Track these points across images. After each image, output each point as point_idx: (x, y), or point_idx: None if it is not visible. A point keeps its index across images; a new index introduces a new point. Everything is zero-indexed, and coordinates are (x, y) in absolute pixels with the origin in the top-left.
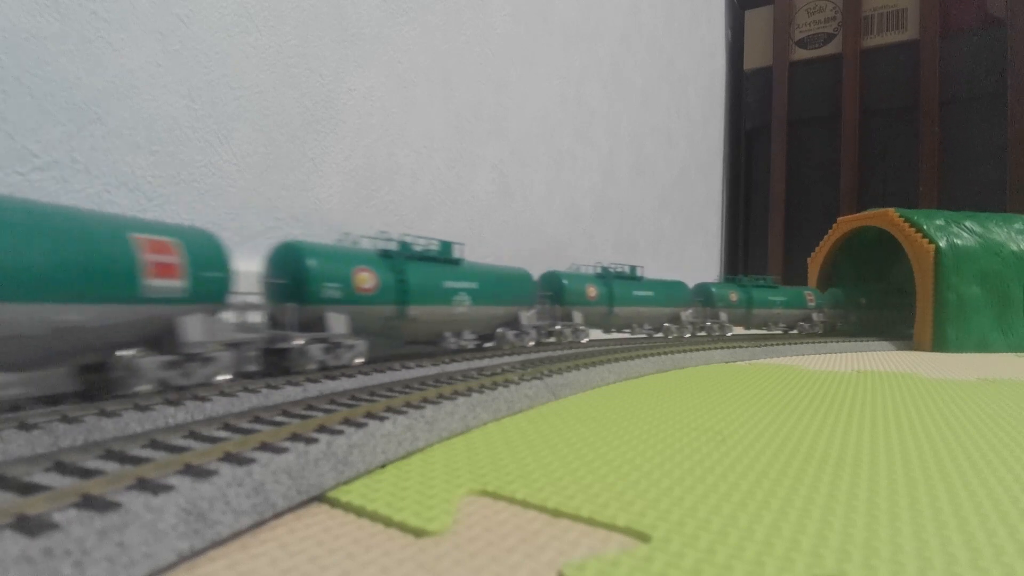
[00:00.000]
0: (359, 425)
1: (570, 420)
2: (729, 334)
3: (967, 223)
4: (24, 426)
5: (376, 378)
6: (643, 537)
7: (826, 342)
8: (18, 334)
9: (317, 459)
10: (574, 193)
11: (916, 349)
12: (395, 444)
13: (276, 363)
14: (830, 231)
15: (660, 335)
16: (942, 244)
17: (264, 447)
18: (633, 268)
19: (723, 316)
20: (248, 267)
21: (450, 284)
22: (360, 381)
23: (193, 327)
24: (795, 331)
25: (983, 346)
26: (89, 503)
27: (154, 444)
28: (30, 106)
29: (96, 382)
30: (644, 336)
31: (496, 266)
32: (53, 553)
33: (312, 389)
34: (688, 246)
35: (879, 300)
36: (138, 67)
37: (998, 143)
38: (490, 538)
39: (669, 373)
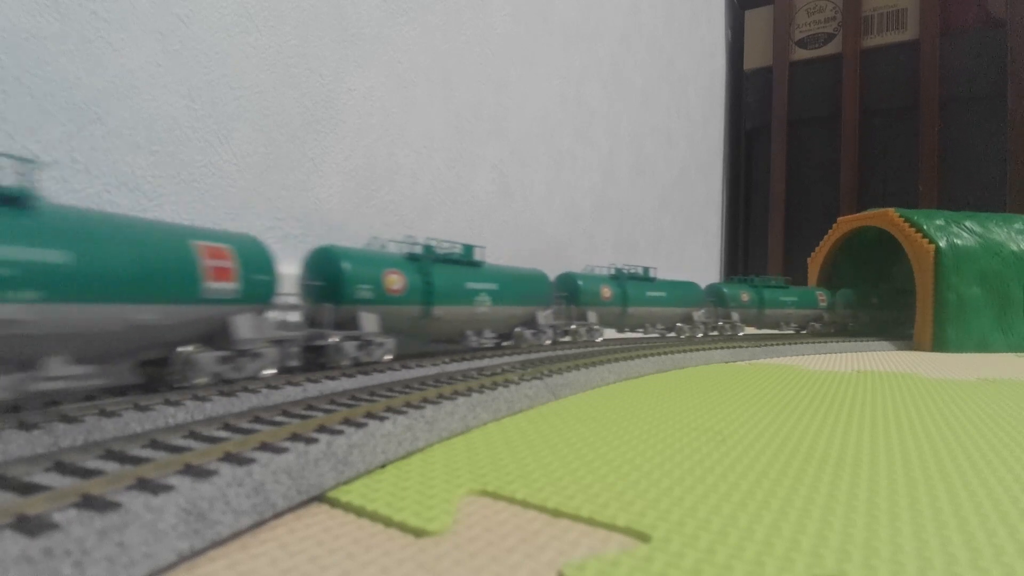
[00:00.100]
0: (359, 425)
1: (570, 420)
2: (741, 334)
3: (967, 223)
4: (24, 426)
5: (376, 378)
6: (643, 537)
7: (826, 342)
8: (101, 331)
9: (317, 459)
10: (574, 193)
11: (916, 349)
12: (395, 444)
13: (313, 359)
14: (830, 231)
15: (673, 334)
16: (942, 244)
17: (264, 447)
18: (646, 269)
19: (735, 316)
20: (288, 270)
21: (472, 285)
22: (360, 381)
23: (244, 325)
24: (805, 331)
25: (983, 346)
26: (89, 503)
27: (154, 444)
28: (30, 106)
29: (155, 375)
30: (657, 335)
31: (514, 268)
32: (53, 553)
33: (312, 389)
34: (688, 246)
35: (889, 300)
36: (138, 67)
37: (998, 143)
38: (490, 538)
39: (669, 373)
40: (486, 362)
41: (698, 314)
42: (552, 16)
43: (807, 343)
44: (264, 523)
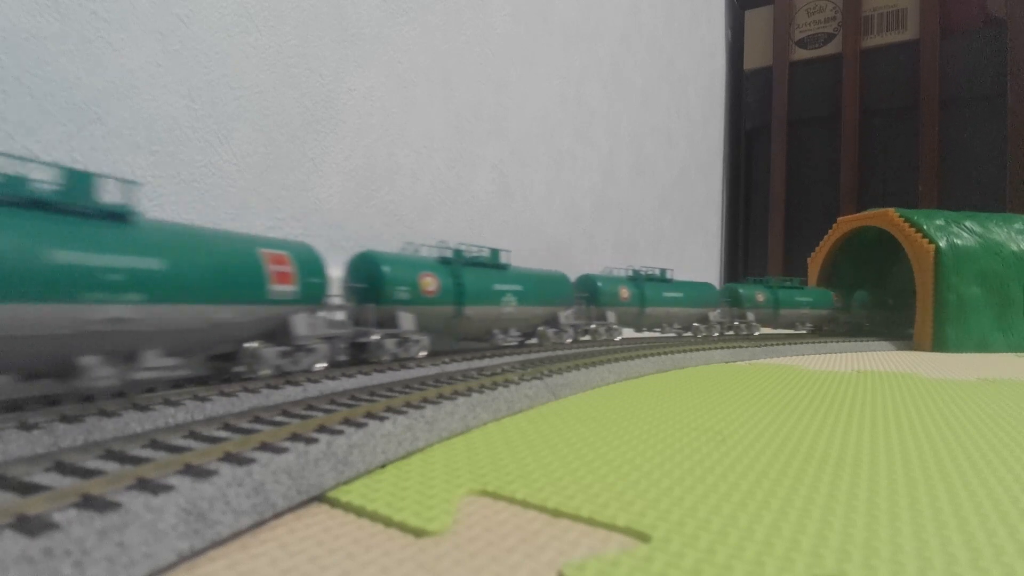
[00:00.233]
0: (359, 425)
1: (570, 420)
2: (756, 333)
3: (967, 223)
4: (24, 426)
5: (376, 378)
6: (643, 537)
7: (826, 342)
8: (189, 328)
9: (317, 459)
10: (574, 193)
11: (916, 349)
12: (395, 444)
13: (357, 355)
14: (830, 231)
15: (689, 334)
16: (942, 244)
17: (264, 447)
18: (663, 271)
19: (750, 316)
20: (335, 274)
21: (499, 287)
22: (360, 381)
23: (301, 323)
24: (824, 330)
25: (983, 346)
26: (89, 503)
27: (154, 444)
28: (30, 106)
29: (222, 368)
30: (673, 335)
31: (538, 270)
32: (53, 553)
33: (312, 389)
34: (688, 246)
35: (901, 300)
36: (138, 67)
37: (998, 143)
38: (490, 538)
39: (669, 373)
40: (486, 362)
41: (714, 314)
42: (552, 16)
43: (807, 343)
44: (264, 523)
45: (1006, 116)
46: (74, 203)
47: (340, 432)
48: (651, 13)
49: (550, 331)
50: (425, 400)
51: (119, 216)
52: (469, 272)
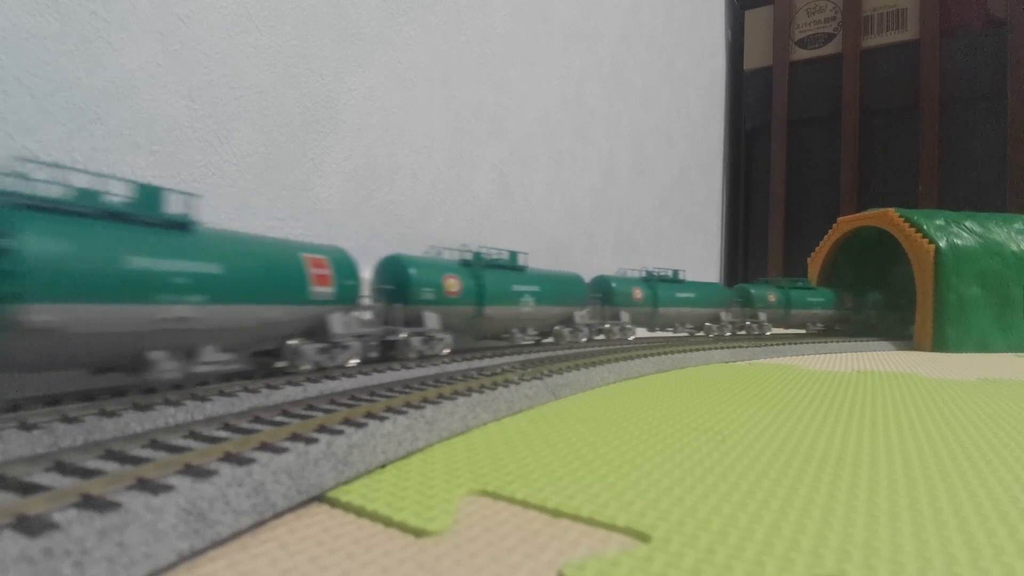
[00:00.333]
0: (359, 425)
1: (570, 420)
2: (768, 333)
3: (967, 223)
4: (24, 426)
5: (376, 378)
6: (643, 537)
7: (826, 342)
8: (242, 326)
9: (317, 459)
10: (574, 193)
11: (916, 349)
12: (395, 444)
13: (386, 352)
14: (830, 231)
15: (701, 333)
16: (942, 244)
17: (264, 447)
18: (676, 272)
19: (762, 316)
20: (365, 276)
21: (517, 288)
22: (360, 381)
23: (337, 322)
24: (832, 330)
25: (983, 346)
26: (89, 503)
27: (154, 444)
28: (30, 106)
29: (265, 363)
30: (686, 334)
31: (554, 271)
32: (53, 553)
33: (312, 389)
34: (688, 246)
35: (910, 301)
36: (138, 67)
37: (998, 143)
38: (490, 538)
39: (669, 373)
40: (486, 362)
41: (726, 314)
42: (552, 16)
43: (807, 343)
44: (264, 523)
45: (1006, 116)
46: (145, 214)
47: (340, 432)
48: (651, 13)
49: (566, 330)
50: (425, 400)
51: (182, 225)
52: (489, 274)
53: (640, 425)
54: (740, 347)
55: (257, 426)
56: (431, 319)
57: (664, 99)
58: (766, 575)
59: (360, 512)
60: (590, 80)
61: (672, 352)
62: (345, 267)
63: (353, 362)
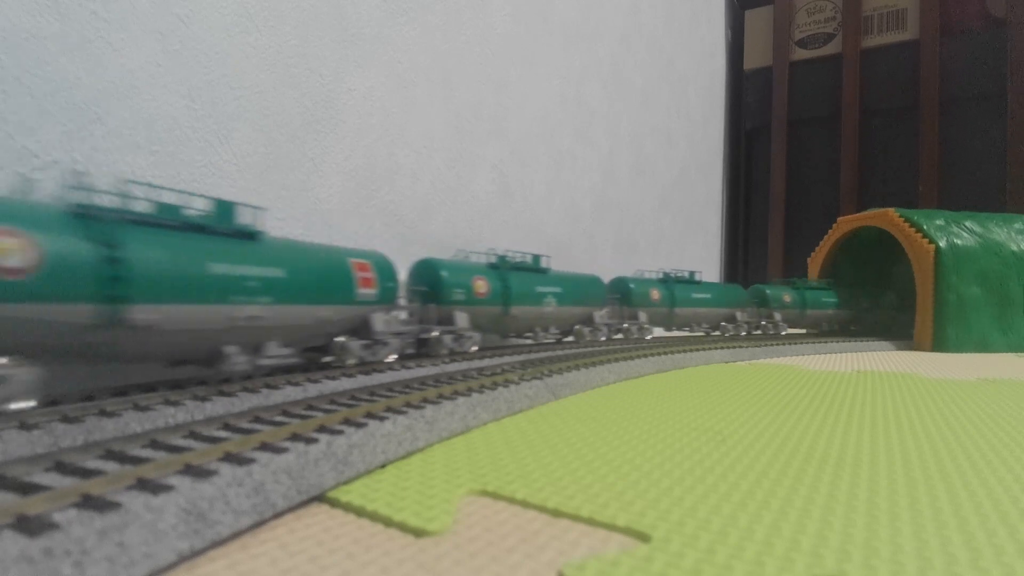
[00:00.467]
0: (359, 425)
1: (570, 420)
2: (784, 333)
3: (967, 223)
4: (24, 426)
5: (376, 378)
6: (643, 537)
7: (826, 342)
8: (300, 324)
9: (317, 459)
10: (574, 193)
11: (916, 349)
12: (395, 444)
13: (420, 348)
14: (830, 231)
15: (717, 333)
16: (942, 244)
17: (264, 447)
18: (692, 273)
19: (777, 316)
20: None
21: (540, 289)
22: (360, 381)
23: (379, 321)
24: (847, 330)
25: (983, 346)
26: (89, 503)
27: (154, 444)
28: (30, 106)
29: (313, 358)
30: (702, 334)
31: (574, 273)
32: (53, 553)
33: (312, 389)
34: (688, 246)
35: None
36: (138, 67)
37: (998, 143)
38: (490, 538)
39: (669, 373)
40: (486, 362)
41: (741, 314)
42: (552, 16)
43: (807, 343)
44: (264, 523)
45: (1006, 116)
46: (221, 226)
47: (340, 432)
48: (651, 13)
49: (586, 329)
50: (425, 400)
51: (251, 235)
52: (514, 276)
53: (640, 425)
54: (740, 347)
55: (257, 426)
56: (461, 318)
57: (664, 99)
58: (766, 575)
59: (360, 512)
60: (590, 80)
61: (672, 352)
62: (386, 270)
63: (391, 357)
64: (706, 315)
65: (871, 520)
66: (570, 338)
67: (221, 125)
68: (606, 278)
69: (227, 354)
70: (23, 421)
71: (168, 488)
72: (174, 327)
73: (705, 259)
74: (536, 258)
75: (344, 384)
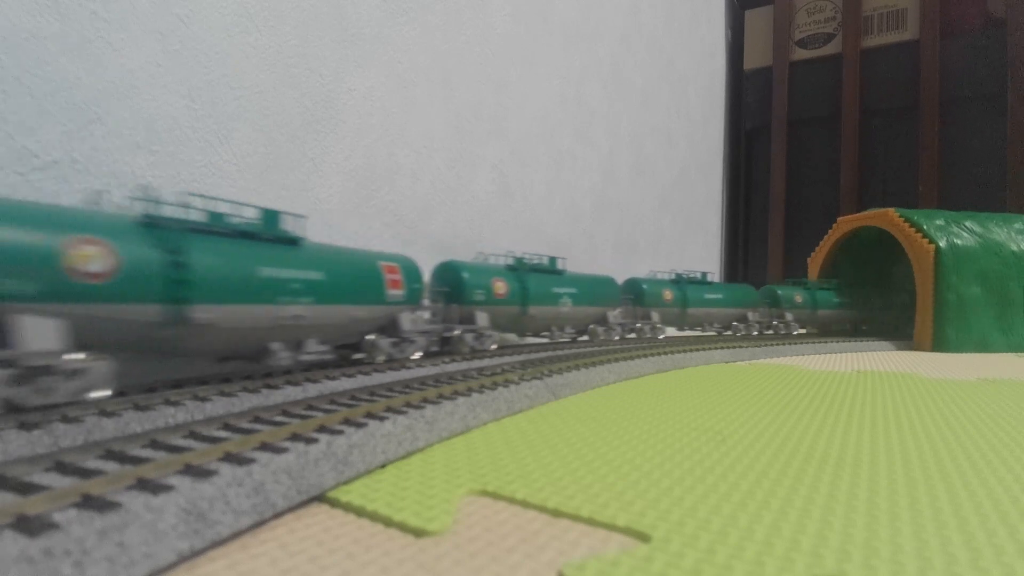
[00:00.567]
0: (359, 425)
1: (570, 420)
2: (795, 333)
3: (967, 223)
4: (24, 426)
5: (376, 378)
6: (643, 537)
7: (826, 342)
8: (336, 323)
9: (317, 459)
10: (574, 193)
11: (916, 349)
12: (395, 444)
13: (443, 346)
14: (830, 231)
15: (728, 332)
16: (942, 244)
17: (264, 447)
18: (704, 274)
19: (788, 316)
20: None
21: (556, 289)
22: (360, 381)
23: (406, 320)
24: (858, 330)
25: (983, 346)
26: (89, 503)
27: (154, 444)
28: (30, 106)
29: (345, 355)
30: (714, 333)
31: (589, 275)
32: (53, 553)
33: (312, 389)
34: (688, 246)
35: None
36: (138, 67)
37: (998, 143)
38: (490, 538)
39: (669, 373)
40: (486, 362)
41: (753, 314)
42: (552, 16)
43: (807, 343)
44: (264, 523)
45: (1006, 116)
46: (268, 232)
47: (340, 432)
48: (651, 13)
49: (600, 329)
50: (425, 400)
51: (293, 241)
52: (532, 277)
53: (640, 425)
54: (740, 347)
55: (257, 426)
56: (482, 318)
57: (664, 99)
58: (766, 575)
59: (360, 512)
60: (590, 80)
61: (672, 352)
62: (412, 272)
63: (417, 355)
64: (718, 315)
65: (871, 520)
66: (584, 337)
67: (221, 125)
68: None
69: (272, 350)
70: (23, 421)
71: (168, 488)
72: (229, 325)
73: (705, 259)
74: (552, 260)
75: (344, 384)
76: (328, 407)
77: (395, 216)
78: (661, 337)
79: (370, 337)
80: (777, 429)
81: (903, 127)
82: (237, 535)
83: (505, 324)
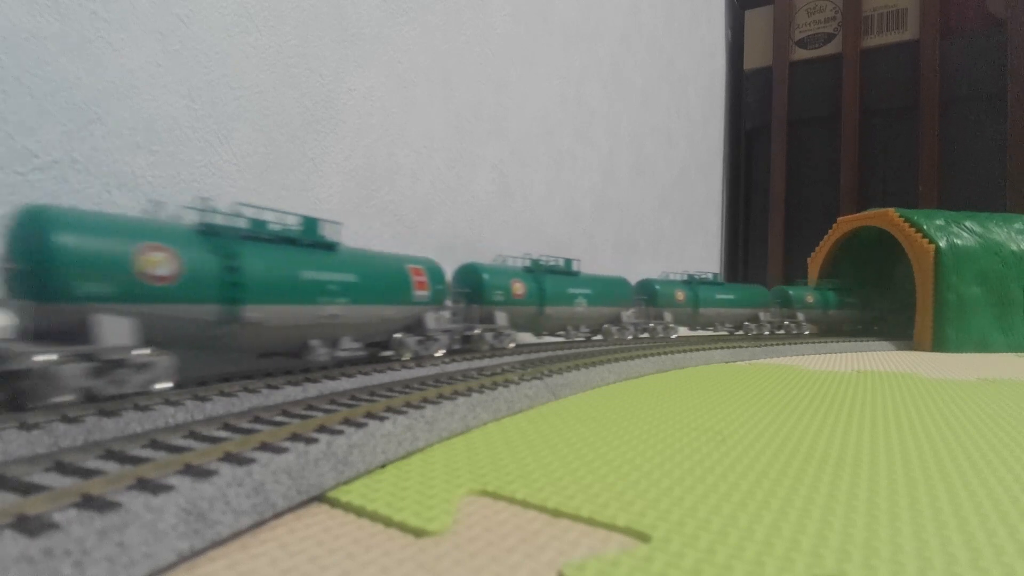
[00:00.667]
0: (359, 425)
1: (570, 420)
2: (807, 332)
3: (967, 223)
4: (24, 426)
5: (376, 378)
6: (643, 537)
7: (826, 342)
8: (368, 322)
9: (317, 459)
10: (574, 193)
11: (916, 349)
12: (395, 444)
13: (464, 344)
14: (830, 231)
15: (740, 332)
16: (942, 244)
17: (264, 447)
18: (715, 275)
19: (800, 316)
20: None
21: (572, 290)
22: (360, 381)
23: (431, 319)
24: (870, 330)
25: (983, 346)
26: (89, 503)
27: (154, 444)
28: (30, 106)
29: (374, 352)
30: (726, 333)
31: (603, 276)
32: (53, 553)
33: (312, 389)
34: (688, 246)
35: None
36: (138, 67)
37: (998, 143)
38: (490, 538)
39: (669, 373)
40: (486, 362)
41: (764, 314)
42: (552, 16)
43: (807, 343)
44: (264, 523)
45: (1006, 116)
46: (308, 238)
47: (340, 432)
48: (651, 13)
49: (614, 328)
50: (425, 400)
51: (330, 246)
52: (548, 278)
53: (640, 425)
54: (740, 347)
55: (257, 426)
56: (501, 317)
57: (664, 99)
58: (766, 575)
59: (360, 512)
60: (590, 80)
61: (672, 352)
62: (436, 274)
63: (440, 352)
64: (729, 315)
65: (871, 520)
66: (599, 336)
67: (221, 125)
68: None
69: (312, 346)
70: (23, 421)
71: (168, 488)
72: (274, 323)
73: (705, 259)
74: (568, 262)
75: (344, 384)
76: (328, 407)
77: (395, 216)
78: (673, 336)
79: (398, 335)
80: (777, 429)
81: (903, 127)
82: (237, 535)
83: (523, 323)
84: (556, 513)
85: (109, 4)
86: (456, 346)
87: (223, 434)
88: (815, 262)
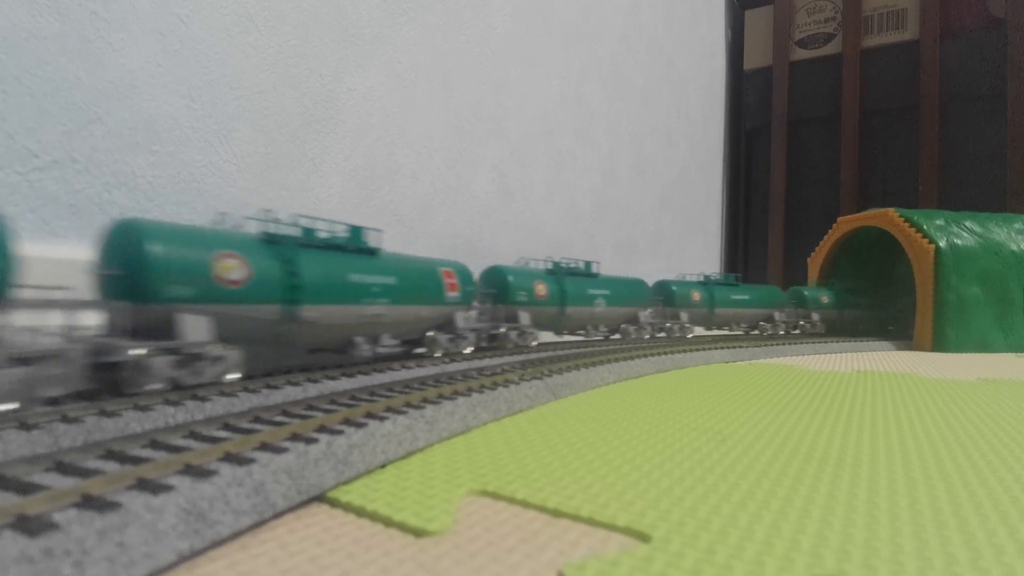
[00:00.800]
0: (359, 425)
1: (570, 420)
2: (823, 332)
3: (967, 223)
4: (24, 426)
5: (376, 378)
6: (643, 537)
7: (826, 342)
8: (406, 321)
9: (317, 459)
10: (574, 193)
11: (916, 349)
12: (395, 444)
13: (491, 342)
14: (830, 231)
15: (756, 332)
16: (942, 244)
17: (264, 447)
18: (729, 276)
19: (815, 316)
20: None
21: (591, 291)
22: (360, 381)
23: (460, 319)
24: (885, 330)
25: (983, 346)
26: (89, 503)
27: (154, 444)
28: (30, 106)
29: (409, 349)
30: (741, 333)
31: (621, 277)
32: (53, 553)
33: (312, 389)
34: (688, 246)
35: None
36: (138, 67)
37: (998, 143)
38: (490, 538)
39: (669, 373)
40: (486, 362)
41: (779, 314)
42: (552, 16)
43: (807, 343)
44: (264, 523)
45: (1006, 116)
46: (353, 244)
47: (340, 432)
48: (651, 13)
49: (631, 328)
50: (425, 400)
51: (372, 252)
52: (569, 280)
53: (640, 425)
54: (740, 347)
55: (257, 426)
56: (524, 317)
57: (664, 99)
58: (766, 575)
59: (360, 512)
60: (590, 80)
61: (672, 352)
62: (465, 276)
63: (468, 349)
64: (744, 315)
65: (871, 520)
66: (617, 336)
67: (221, 125)
68: None
69: (356, 343)
70: (23, 421)
71: (168, 488)
72: (327, 322)
73: (705, 259)
74: (588, 264)
75: (344, 384)
76: (328, 407)
77: (395, 216)
78: (690, 336)
79: (431, 333)
80: (777, 429)
81: (903, 127)
82: (237, 535)
83: (545, 323)
84: (556, 513)
85: (109, 4)
86: (484, 344)
87: (223, 434)
88: (815, 262)
